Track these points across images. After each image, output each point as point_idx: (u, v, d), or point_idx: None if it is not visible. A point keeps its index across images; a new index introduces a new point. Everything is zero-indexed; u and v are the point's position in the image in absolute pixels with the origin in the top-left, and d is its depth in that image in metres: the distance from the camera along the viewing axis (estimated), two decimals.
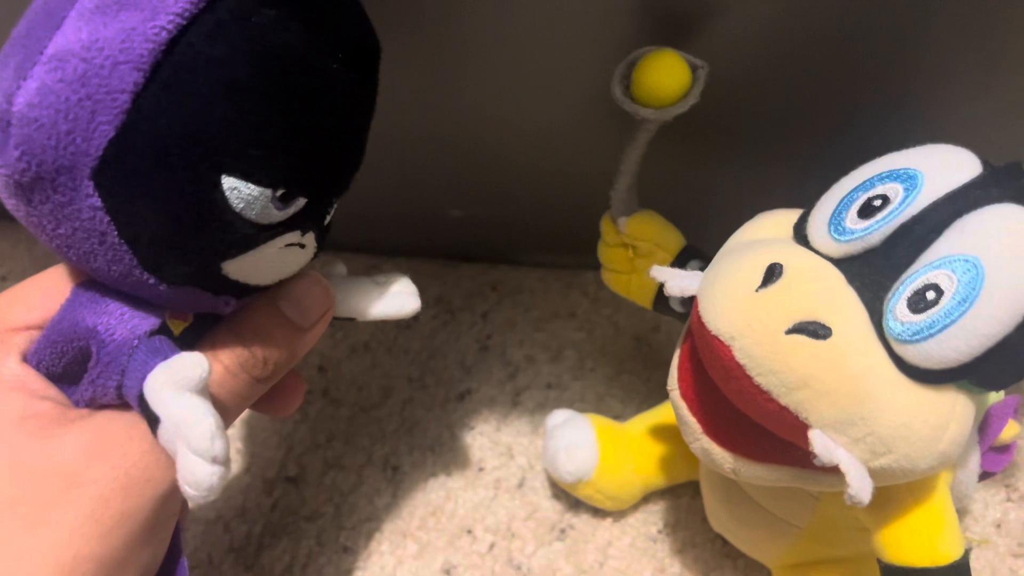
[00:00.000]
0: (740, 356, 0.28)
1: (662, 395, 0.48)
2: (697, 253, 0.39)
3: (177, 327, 0.29)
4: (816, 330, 0.27)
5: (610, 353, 0.51)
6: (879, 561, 0.33)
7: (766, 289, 0.28)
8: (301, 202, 0.27)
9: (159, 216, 0.24)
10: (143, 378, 0.27)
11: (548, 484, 0.47)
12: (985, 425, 0.37)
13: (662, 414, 0.45)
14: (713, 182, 0.43)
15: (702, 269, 0.33)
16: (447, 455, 0.48)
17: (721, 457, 0.32)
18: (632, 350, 0.52)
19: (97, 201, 0.24)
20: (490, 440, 0.48)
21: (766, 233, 0.33)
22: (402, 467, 0.48)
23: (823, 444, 0.28)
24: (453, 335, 0.53)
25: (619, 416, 0.47)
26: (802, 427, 0.29)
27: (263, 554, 0.45)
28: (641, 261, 0.39)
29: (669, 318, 0.52)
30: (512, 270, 0.55)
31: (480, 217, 0.50)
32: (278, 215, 0.26)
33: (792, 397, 0.28)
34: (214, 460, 0.26)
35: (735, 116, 0.38)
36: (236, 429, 0.49)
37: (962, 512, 0.42)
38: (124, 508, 0.27)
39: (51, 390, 0.29)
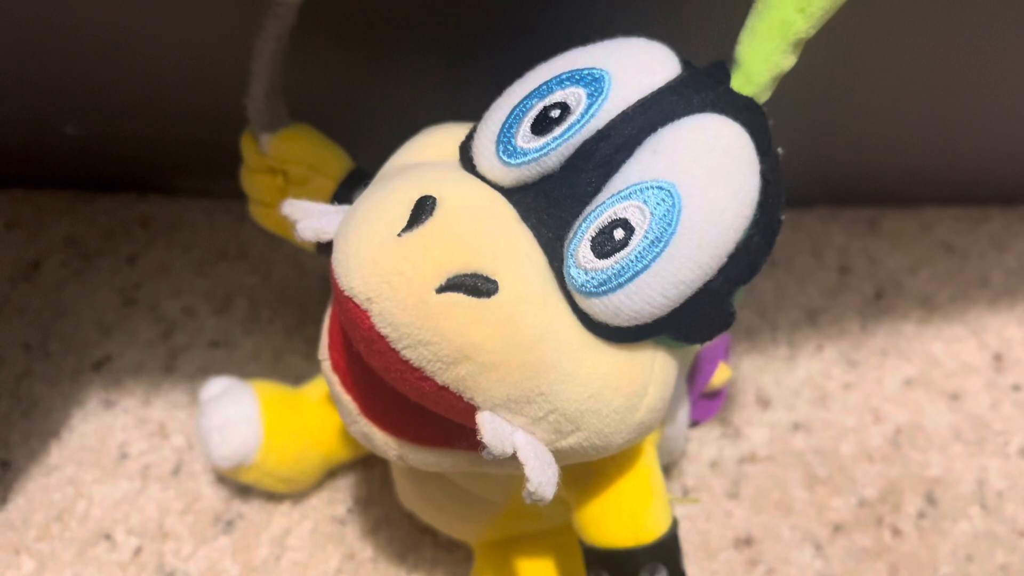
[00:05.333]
0: (380, 323, 0.21)
1: None
2: (369, 178, 0.31)
3: None
4: (476, 285, 0.21)
5: (292, 299, 0.43)
6: (580, 543, 0.28)
7: (411, 232, 0.21)
8: None
9: None
10: None
11: (212, 467, 0.38)
12: (694, 371, 0.32)
13: None
14: (381, 88, 0.35)
15: None
16: (77, 441, 0.38)
17: (384, 443, 0.25)
18: (320, 294, 0.43)
19: None
20: (136, 418, 0.39)
21: (430, 155, 0.26)
22: (15, 462, 0.37)
23: (494, 430, 0.22)
24: (88, 287, 0.42)
25: (302, 377, 0.39)
26: (469, 409, 0.22)
27: None
28: (295, 190, 0.31)
29: None
30: (167, 201, 0.45)
31: (110, 133, 0.39)
32: None
33: (451, 373, 0.21)
34: None
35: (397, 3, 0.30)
36: None
37: (670, 454, 0.39)
38: None
39: None
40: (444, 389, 0.22)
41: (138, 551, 0.36)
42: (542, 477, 0.22)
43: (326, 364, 0.26)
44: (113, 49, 0.35)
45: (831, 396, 0.42)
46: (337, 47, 0.32)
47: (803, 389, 0.42)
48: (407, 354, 0.21)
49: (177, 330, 0.41)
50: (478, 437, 0.22)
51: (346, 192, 0.31)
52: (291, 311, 0.43)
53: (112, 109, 0.38)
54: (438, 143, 0.26)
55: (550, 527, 0.34)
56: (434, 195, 0.21)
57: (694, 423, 0.34)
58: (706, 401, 0.34)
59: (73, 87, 0.36)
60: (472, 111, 0.27)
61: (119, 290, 0.42)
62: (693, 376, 0.32)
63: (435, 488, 0.32)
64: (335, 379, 0.26)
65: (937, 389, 0.42)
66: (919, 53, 0.37)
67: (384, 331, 0.21)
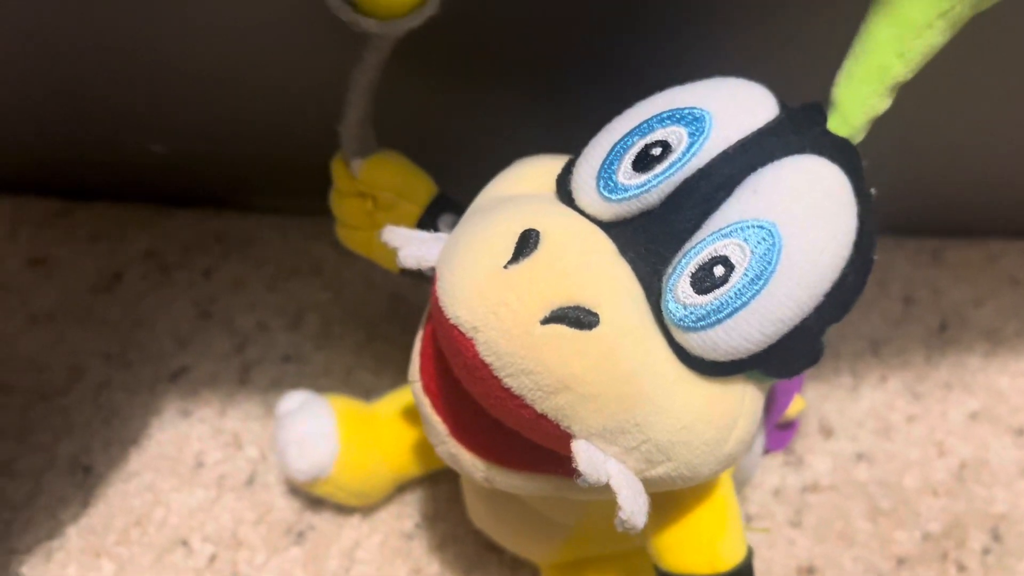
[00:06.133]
0: (484, 352, 0.22)
1: None
2: (452, 204, 0.32)
3: None
4: (579, 317, 0.21)
5: (361, 316, 0.44)
6: (656, 568, 0.29)
7: (517, 265, 0.22)
8: None
9: None
10: None
11: (284, 478, 0.39)
12: (770, 401, 0.33)
13: None
14: (470, 116, 0.36)
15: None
16: (155, 449, 0.39)
17: (471, 464, 0.26)
18: (388, 311, 0.44)
19: None
20: (212, 428, 0.40)
21: (525, 187, 0.26)
22: (96, 468, 0.38)
23: (589, 458, 0.22)
24: (165, 299, 0.43)
25: (371, 391, 0.40)
26: (564, 437, 0.23)
27: None
28: (383, 215, 0.32)
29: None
30: (241, 217, 0.46)
31: (193, 151, 0.41)
32: None
33: (550, 402, 0.22)
34: None
35: (493, 35, 0.31)
36: None
37: (741, 483, 0.39)
38: None
39: None
40: (542, 417, 0.22)
41: (213, 558, 0.37)
42: (634, 506, 0.23)
43: (417, 386, 0.27)
44: (202, 75, 0.36)
45: (895, 428, 0.42)
46: (427, 77, 0.33)
47: (867, 420, 0.42)
48: (509, 382, 0.22)
49: (250, 344, 0.42)
50: (572, 465, 0.23)
51: (431, 218, 0.32)
52: (361, 328, 0.43)
53: (197, 130, 0.39)
54: (533, 176, 0.26)
55: (618, 551, 0.34)
56: (538, 228, 0.22)
57: (766, 452, 0.34)
58: (779, 431, 0.34)
59: (163, 109, 0.38)
60: (560, 144, 0.28)
61: (195, 303, 0.43)
62: (769, 407, 0.33)
63: (507, 508, 0.33)
64: (426, 401, 0.26)
65: (1003, 424, 0.42)
66: (985, 89, 0.37)
67: (488, 359, 0.22)
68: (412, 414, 0.38)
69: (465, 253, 0.22)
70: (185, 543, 0.37)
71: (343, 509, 0.38)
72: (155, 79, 0.36)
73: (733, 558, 0.28)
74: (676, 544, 0.28)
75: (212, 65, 0.35)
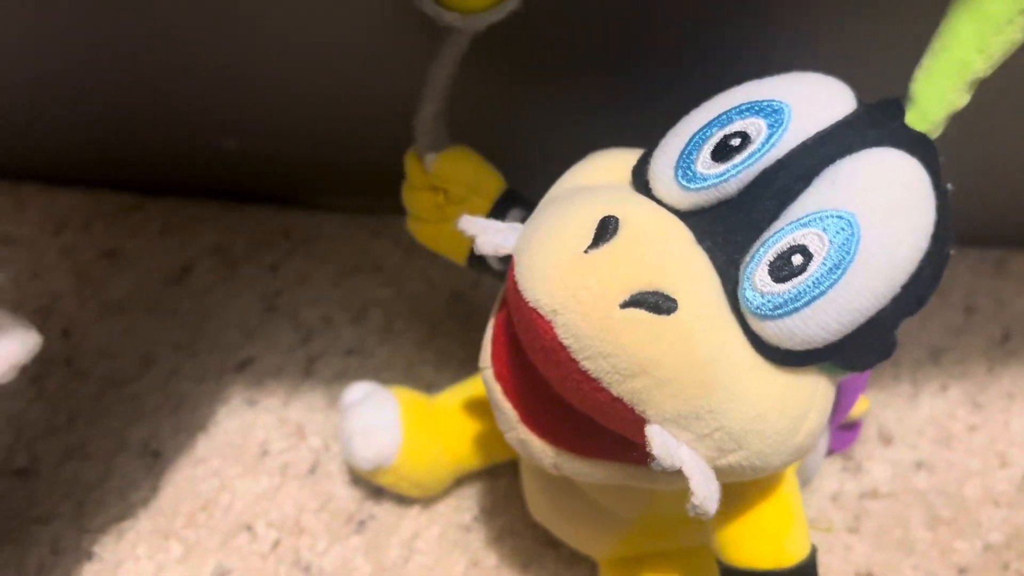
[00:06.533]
0: (563, 335, 0.22)
1: None
2: (520, 199, 0.32)
3: None
4: (658, 303, 0.22)
5: (422, 312, 0.45)
6: (719, 562, 0.29)
7: (597, 250, 0.22)
8: None
9: None
10: None
11: (345, 468, 0.40)
12: (836, 401, 0.32)
13: (478, 385, 0.39)
14: (539, 112, 0.37)
15: (525, 220, 0.26)
16: (222, 437, 0.40)
17: (541, 450, 0.26)
18: (448, 309, 0.45)
19: None
20: (276, 418, 0.41)
21: (600, 178, 0.27)
22: (165, 453, 0.39)
23: (663, 443, 0.23)
24: (233, 292, 0.44)
25: (432, 386, 0.41)
26: (638, 421, 0.23)
27: None
28: (453, 208, 0.32)
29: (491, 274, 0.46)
30: (307, 214, 0.47)
31: (263, 150, 0.42)
32: None
33: (626, 386, 0.22)
34: None
35: (566, 31, 0.32)
36: None
37: (802, 483, 0.39)
38: None
39: None
40: (618, 401, 0.23)
41: (276, 544, 0.38)
42: (707, 491, 0.23)
43: (488, 372, 0.27)
44: (275, 73, 0.37)
45: (955, 437, 0.42)
46: (498, 72, 0.33)
47: (927, 428, 0.42)
48: (586, 365, 0.22)
49: (315, 337, 0.43)
50: (643, 451, 0.23)
51: (499, 212, 0.32)
52: (422, 324, 0.44)
53: (268, 127, 0.40)
54: (607, 167, 0.27)
55: (677, 547, 0.34)
56: (617, 216, 0.22)
57: (829, 453, 0.34)
58: (842, 432, 0.34)
59: (236, 106, 0.39)
60: (623, 140, 0.28)
61: (262, 296, 0.44)
62: (834, 406, 0.33)
63: (568, 501, 0.33)
64: (497, 387, 0.27)
65: None
66: None
67: (567, 342, 0.22)
68: (474, 407, 0.38)
69: (545, 238, 0.23)
70: (250, 528, 0.38)
71: (403, 500, 0.39)
72: (229, 77, 0.37)
73: (798, 553, 0.28)
74: (741, 537, 0.28)
75: (285, 63, 0.36)
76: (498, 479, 0.40)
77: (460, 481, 0.40)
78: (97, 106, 0.41)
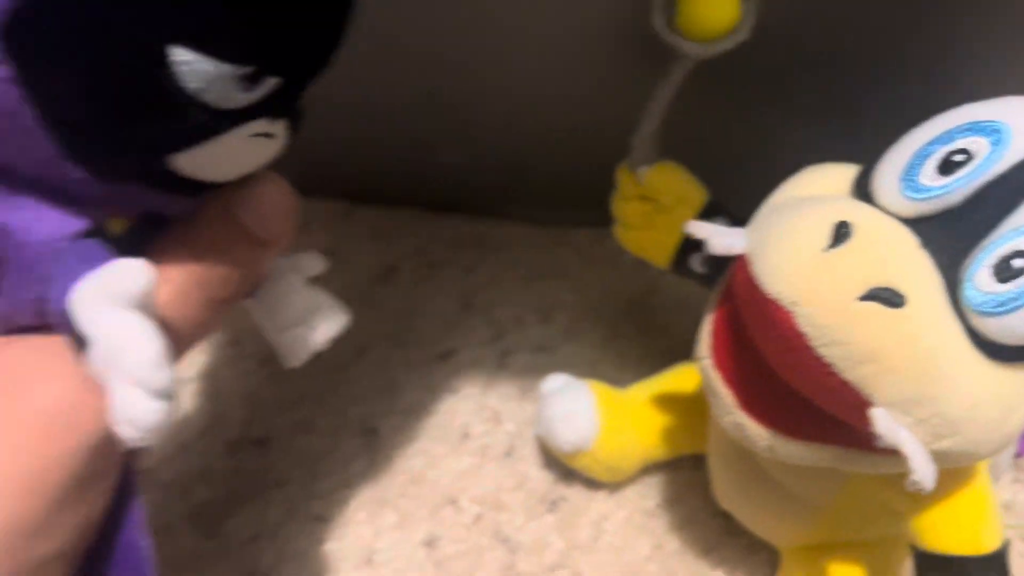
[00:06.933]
0: (802, 324, 0.25)
1: (658, 361, 0.46)
2: (722, 210, 0.36)
3: (118, 225, 0.24)
4: (890, 298, 0.25)
5: (603, 316, 0.48)
6: (913, 548, 0.31)
7: (836, 249, 0.25)
8: (272, 82, 0.21)
9: (88, 95, 0.19)
10: (70, 290, 0.22)
11: (538, 453, 0.43)
12: None
13: (666, 382, 0.42)
14: (741, 131, 0.40)
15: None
16: (429, 419, 0.44)
17: (756, 433, 0.29)
18: (626, 314, 0.48)
19: (5, 70, 0.19)
20: (476, 404, 0.45)
21: (818, 189, 0.30)
22: (379, 431, 0.44)
23: (887, 424, 0.25)
24: (433, 291, 0.49)
25: (614, 383, 0.44)
26: (862, 405, 0.26)
27: (226, 522, 0.41)
28: (661, 217, 0.36)
29: (665, 282, 0.50)
30: (497, 224, 0.51)
31: (470, 164, 0.46)
32: (243, 98, 0.21)
33: (857, 372, 0.25)
34: (157, 393, 0.21)
35: (780, 58, 0.35)
36: (196, 383, 0.45)
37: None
38: (42, 461, 0.22)
39: None
40: (846, 384, 0.25)
41: (479, 517, 0.42)
42: (926, 468, 0.25)
43: (707, 362, 0.31)
44: (499, 91, 0.41)
45: None
46: (710, 93, 0.37)
47: None
48: (822, 351, 0.25)
49: (507, 334, 0.47)
50: (862, 432, 0.26)
51: (704, 220, 0.35)
52: (604, 326, 0.48)
53: (486, 142, 0.44)
54: (825, 180, 0.30)
55: (864, 539, 0.37)
56: (850, 220, 0.26)
57: (1016, 456, 0.36)
58: None
59: (462, 120, 0.43)
60: (819, 158, 0.31)
61: (459, 296, 0.49)
62: None
63: (759, 488, 0.36)
64: (716, 375, 0.30)
65: None
66: None
67: (805, 330, 0.25)
68: (663, 401, 0.41)
69: (784, 238, 0.26)
70: (454, 502, 0.42)
71: (592, 484, 0.43)
72: (467, 94, 0.41)
73: (992, 542, 0.30)
74: (939, 524, 0.30)
75: (509, 82, 0.40)
76: (680, 471, 0.43)
77: (645, 470, 0.43)
78: (323, 121, 0.46)
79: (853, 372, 0.25)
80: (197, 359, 0.46)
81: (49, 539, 0.22)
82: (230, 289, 0.26)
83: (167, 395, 0.21)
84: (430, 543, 0.41)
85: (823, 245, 0.25)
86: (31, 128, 0.20)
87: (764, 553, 0.40)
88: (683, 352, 0.45)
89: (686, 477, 0.43)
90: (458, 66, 0.40)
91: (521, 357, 0.47)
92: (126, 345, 0.21)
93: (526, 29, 0.37)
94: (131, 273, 0.21)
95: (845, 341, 0.25)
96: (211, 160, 0.23)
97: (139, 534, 0.25)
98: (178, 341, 0.24)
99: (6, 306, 0.23)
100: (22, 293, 0.23)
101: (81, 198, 0.22)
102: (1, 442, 0.21)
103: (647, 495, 0.42)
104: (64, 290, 0.22)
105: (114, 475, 0.25)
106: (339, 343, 0.46)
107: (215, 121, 0.21)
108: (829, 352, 0.25)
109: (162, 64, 0.19)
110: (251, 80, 0.21)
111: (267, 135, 0.23)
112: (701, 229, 0.30)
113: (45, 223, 0.22)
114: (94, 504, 0.24)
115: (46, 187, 0.22)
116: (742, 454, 0.35)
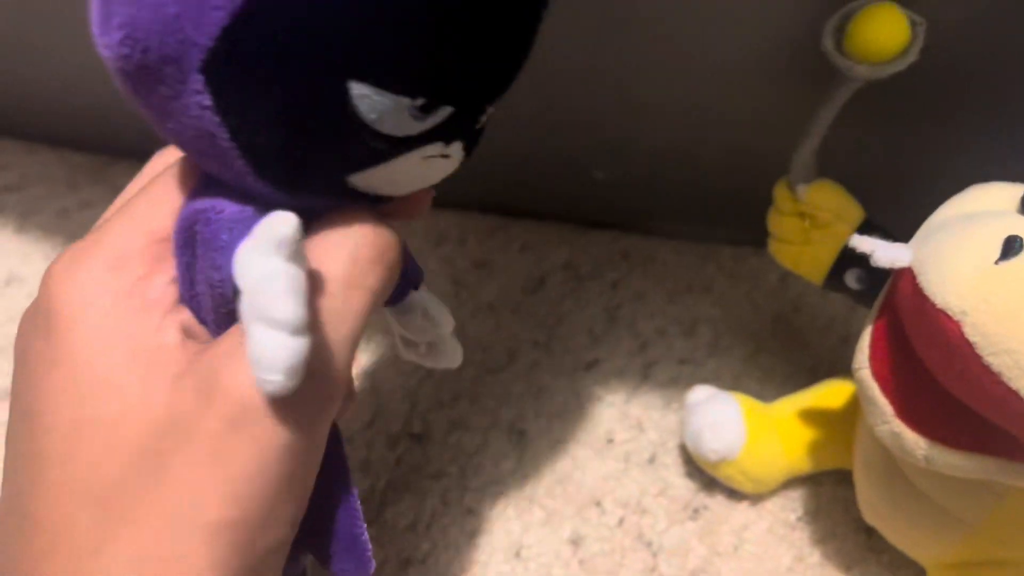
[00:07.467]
0: (971, 333, 0.26)
1: (801, 378, 0.47)
2: (877, 227, 0.37)
3: None
4: None
5: (747, 331, 0.49)
6: None
7: (1007, 262, 0.26)
8: (446, 111, 0.23)
9: (276, 123, 0.22)
10: (235, 253, 0.23)
11: (681, 462, 0.45)
12: None
13: (813, 397, 0.43)
14: (902, 151, 0.41)
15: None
16: (575, 424, 0.46)
17: (914, 442, 0.30)
18: (771, 330, 0.49)
19: (206, 99, 0.21)
20: (619, 412, 0.47)
21: (984, 206, 0.30)
22: (528, 432, 0.46)
23: None
24: (581, 302, 0.51)
25: (758, 397, 0.45)
26: None
27: (386, 509, 0.44)
28: (818, 232, 0.37)
29: (808, 301, 0.51)
30: (643, 239, 0.53)
31: (620, 181, 0.49)
32: (417, 126, 0.23)
33: None
34: (293, 330, 0.21)
35: (944, 78, 0.36)
36: (359, 381, 0.48)
37: None
38: (265, 454, 0.23)
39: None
40: (1014, 393, 0.26)
41: (622, 520, 0.43)
42: None
43: (864, 372, 0.31)
44: (661, 109, 0.43)
45: None
46: (871, 117, 0.38)
47: None
48: (990, 360, 0.26)
49: (651, 346, 0.49)
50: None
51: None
52: (748, 341, 0.49)
53: (638, 161, 0.47)
54: (989, 197, 0.31)
55: (1012, 558, 0.36)
56: (1020, 236, 0.26)
57: None
58: None
59: (618, 137, 0.46)
60: (976, 177, 0.32)
61: (605, 308, 0.51)
62: None
63: (907, 502, 0.36)
64: (874, 385, 0.31)
65: None
66: None
67: (974, 339, 0.26)
68: (809, 416, 0.42)
69: (954, 252, 0.27)
70: (599, 504, 0.44)
71: (733, 494, 0.44)
72: (616, 114, 0.43)
73: None
74: None
75: (665, 101, 0.42)
76: (822, 486, 0.44)
77: (786, 483, 0.44)
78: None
79: (1021, 381, 0.26)
80: (361, 358, 0.49)
81: (274, 529, 0.24)
82: (385, 279, 0.26)
83: (302, 331, 0.21)
84: (575, 541, 0.43)
85: (993, 258, 0.26)
86: (226, 148, 0.22)
87: (907, 570, 0.40)
88: (826, 369, 0.46)
89: (829, 492, 0.43)
90: (618, 85, 0.43)
91: (665, 369, 0.48)
92: (264, 285, 0.21)
93: (690, 53, 0.39)
94: (277, 221, 0.22)
95: (1014, 349, 0.25)
96: (387, 179, 0.25)
97: (357, 523, 0.28)
98: (347, 336, 0.25)
99: (201, 285, 0.25)
100: (205, 269, 0.25)
101: (270, 203, 0.24)
102: (223, 443, 0.23)
103: (789, 507, 0.43)
104: (231, 255, 0.23)
105: (316, 467, 0.26)
106: (492, 348, 0.50)
107: (391, 146, 0.23)
108: (997, 361, 0.26)
109: (343, 97, 0.21)
110: (424, 110, 0.22)
111: (442, 156, 0.25)
112: (865, 243, 0.31)
113: (236, 205, 0.24)
114: (305, 492, 0.25)
115: (240, 191, 0.25)
116: (891, 467, 0.36)
